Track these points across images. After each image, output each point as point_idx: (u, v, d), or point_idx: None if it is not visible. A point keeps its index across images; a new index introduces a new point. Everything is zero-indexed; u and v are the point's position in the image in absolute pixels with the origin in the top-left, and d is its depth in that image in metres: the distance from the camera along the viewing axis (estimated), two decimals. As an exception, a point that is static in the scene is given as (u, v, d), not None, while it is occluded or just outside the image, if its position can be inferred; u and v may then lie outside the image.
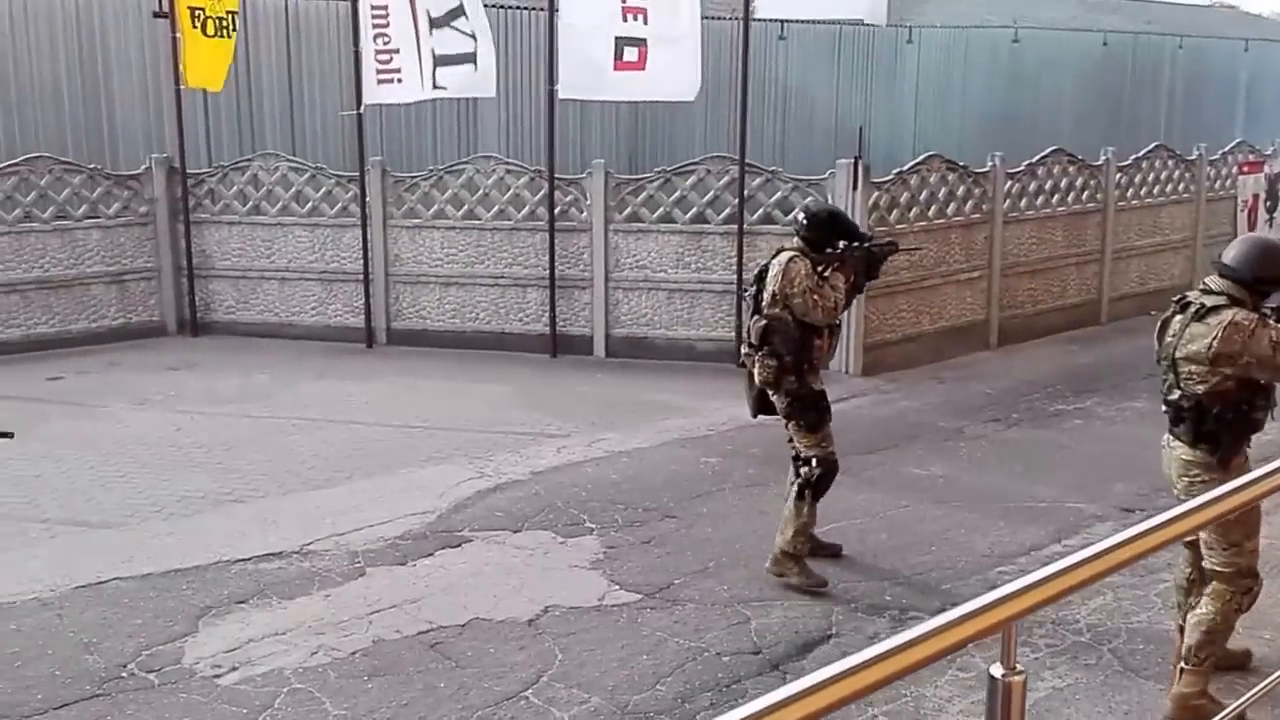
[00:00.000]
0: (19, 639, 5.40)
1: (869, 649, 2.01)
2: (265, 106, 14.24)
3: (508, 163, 11.85)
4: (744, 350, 6.19)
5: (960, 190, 11.52)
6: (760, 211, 10.87)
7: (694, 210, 11.07)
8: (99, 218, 11.76)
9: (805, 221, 6.07)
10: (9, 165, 11.40)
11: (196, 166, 12.49)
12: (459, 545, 6.65)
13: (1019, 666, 2.18)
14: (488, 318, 11.71)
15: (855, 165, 10.35)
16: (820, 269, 5.97)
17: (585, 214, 11.25)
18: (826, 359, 6.20)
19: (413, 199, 11.81)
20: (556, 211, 11.26)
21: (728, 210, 10.92)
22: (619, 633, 5.56)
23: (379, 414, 9.32)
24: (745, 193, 10.80)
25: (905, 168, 11.13)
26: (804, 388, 6.02)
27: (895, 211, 10.88)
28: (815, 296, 5.87)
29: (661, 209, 11.12)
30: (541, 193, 11.34)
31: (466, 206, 11.65)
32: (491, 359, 11.30)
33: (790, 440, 6.15)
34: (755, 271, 6.26)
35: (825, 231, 6.03)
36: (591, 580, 6.16)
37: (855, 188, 10.39)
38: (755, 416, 6.32)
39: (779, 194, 10.85)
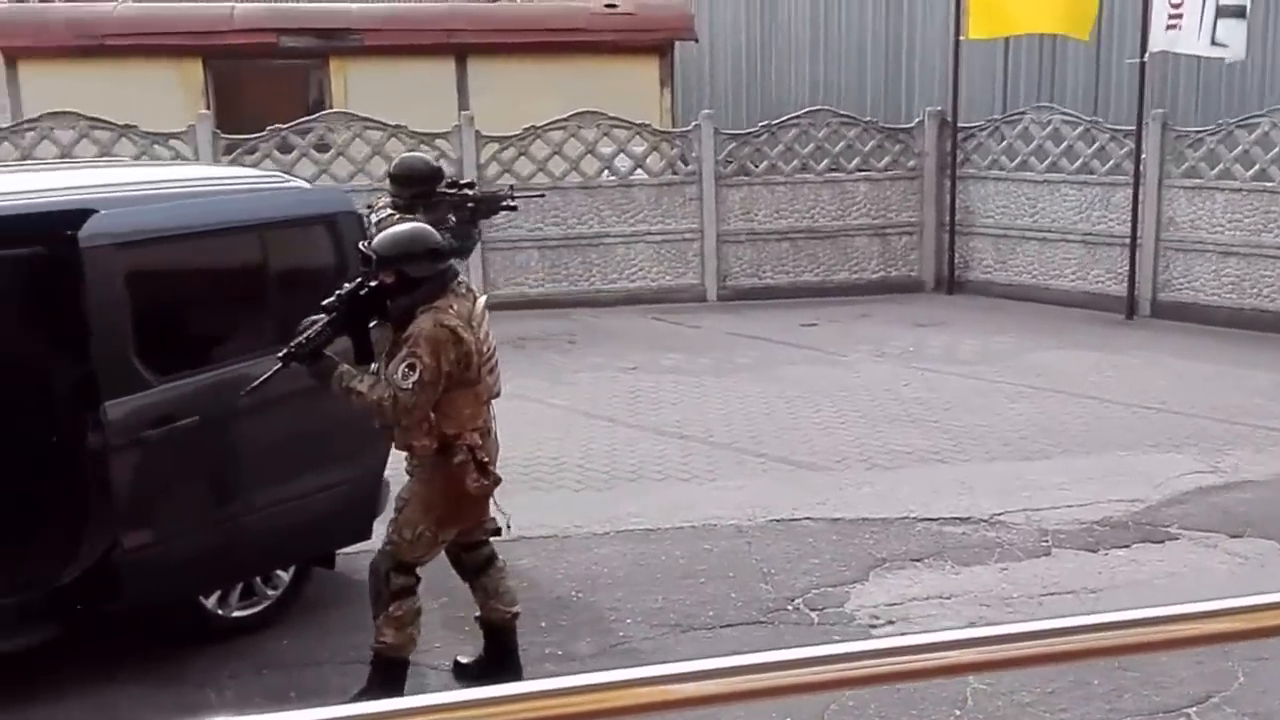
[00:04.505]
0: (709, 558, 5.85)
1: None
2: (1069, 55, 13.51)
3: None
4: None
5: None
6: None
7: None
8: (869, 170, 12.25)
9: None
10: (791, 118, 12.30)
11: (978, 118, 12.38)
12: (1161, 541, 5.91)
13: None
14: (1274, 294, 10.20)
15: None
16: None
17: None
18: None
19: (1195, 156, 10.63)
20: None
21: None
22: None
23: (1113, 390, 8.60)
24: None
25: None
26: None
27: None
28: None
29: None
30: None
31: (1258, 166, 10.21)
32: (1270, 343, 9.84)
33: None
34: None
35: None
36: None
37: None
38: None
39: None
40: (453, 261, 4.35)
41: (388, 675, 4.32)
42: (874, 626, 5.16)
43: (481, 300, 4.36)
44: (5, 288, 4.97)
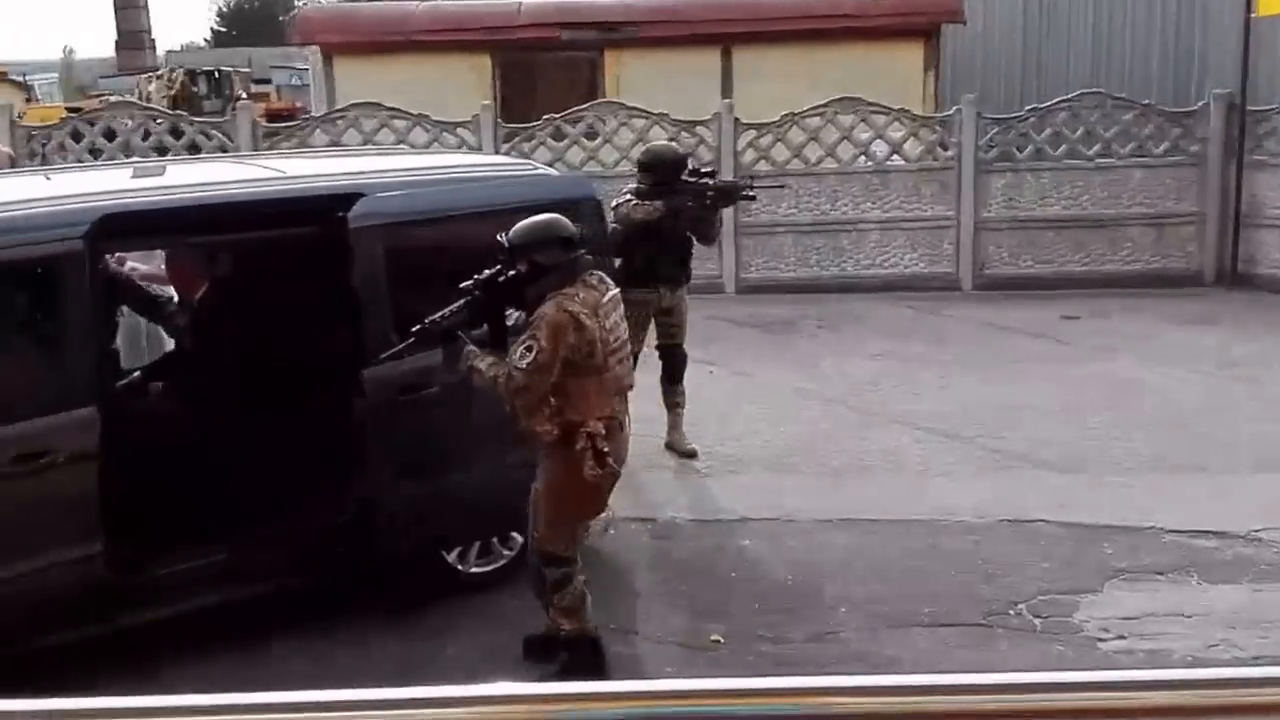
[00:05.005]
0: (933, 554, 5.78)
1: None
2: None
3: None
4: None
5: None
6: None
7: None
8: (1144, 156, 11.58)
9: None
10: (1060, 101, 11.78)
11: (1274, 102, 11.50)
12: None
13: None
14: None
15: None
16: None
17: None
18: None
19: None
20: None
21: None
22: None
23: None
24: None
25: None
26: None
27: None
28: None
29: None
30: None
31: None
32: None
33: None
34: None
35: None
36: None
37: None
38: None
39: None
40: (584, 252, 4.37)
41: (584, 657, 4.48)
42: (1101, 640, 4.97)
43: (612, 292, 4.38)
44: (293, 263, 5.52)
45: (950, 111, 12.02)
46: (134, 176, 5.42)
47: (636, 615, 5.26)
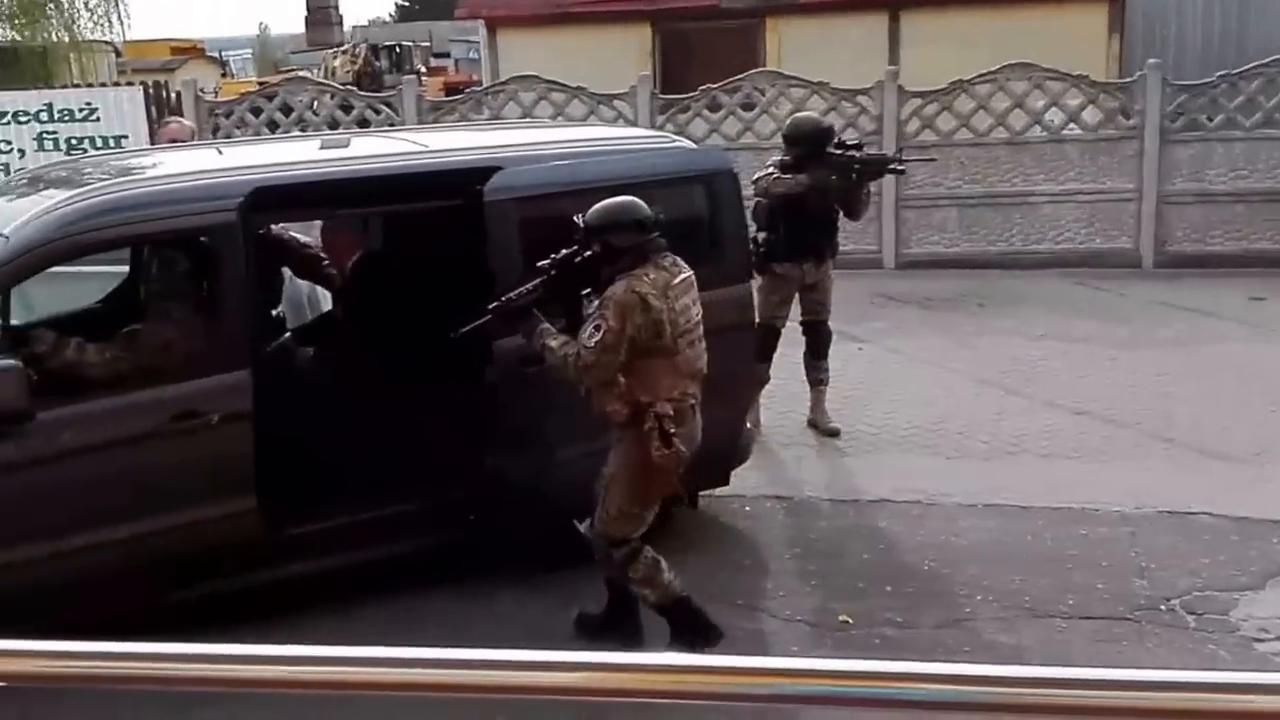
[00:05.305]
0: (1082, 544, 5.53)
1: None
2: None
3: None
4: None
5: None
6: None
7: None
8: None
9: None
10: (1255, 66, 10.93)
11: None
12: None
13: None
14: None
15: None
16: None
17: None
18: None
19: None
20: None
21: None
22: None
23: None
24: None
25: None
26: None
27: None
28: None
29: None
30: None
31: None
32: None
33: None
34: None
35: None
36: None
37: None
38: None
39: None
40: (659, 235, 4.33)
41: (680, 618, 4.46)
42: (1259, 640, 4.67)
43: (683, 275, 4.33)
44: (430, 235, 5.65)
45: (1133, 77, 11.40)
46: (321, 148, 5.63)
47: (765, 592, 5.22)
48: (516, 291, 4.40)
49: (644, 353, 4.20)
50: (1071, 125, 11.17)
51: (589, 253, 4.29)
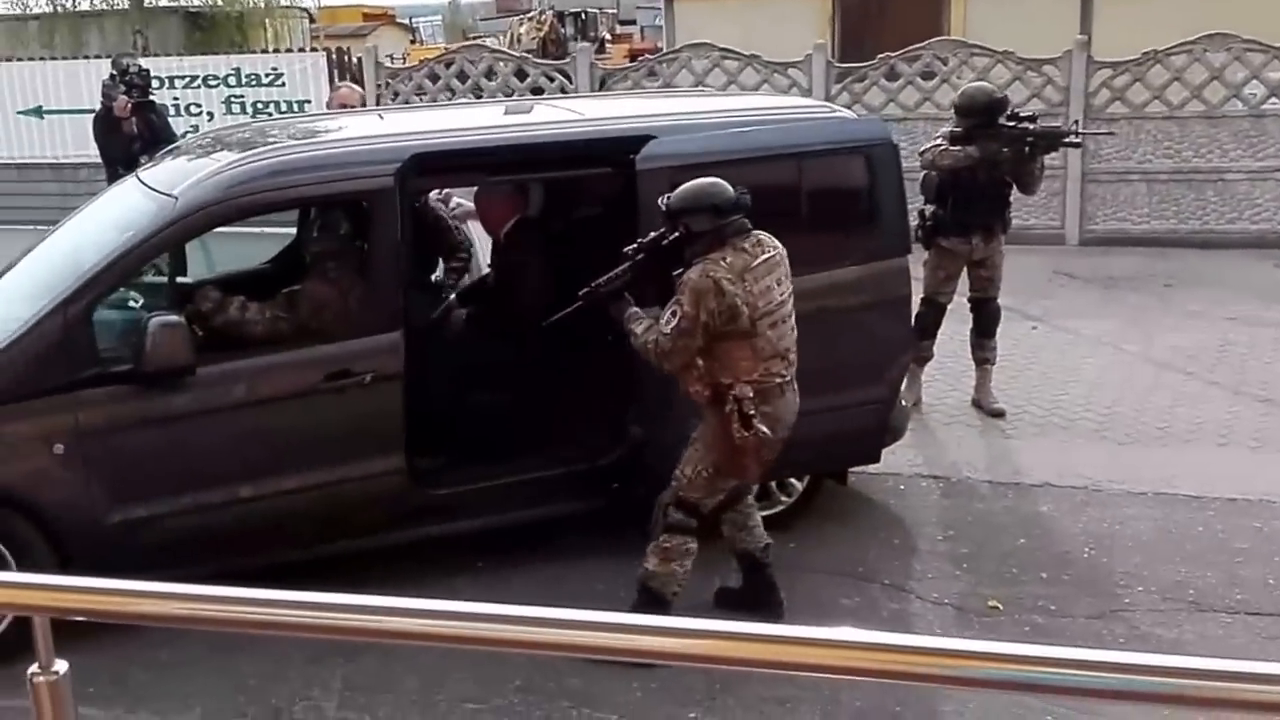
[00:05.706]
0: (1254, 537, 5.22)
1: None
2: None
3: None
4: None
5: None
6: None
7: None
8: None
9: None
10: None
11: None
12: None
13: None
14: None
15: None
16: None
17: None
18: None
19: None
20: None
21: None
22: None
23: None
24: None
25: None
26: None
27: None
28: None
29: None
30: None
31: None
32: None
33: None
34: None
35: None
36: None
37: None
38: None
39: None
40: (740, 217, 4.22)
41: (647, 606, 4.36)
42: None
43: (765, 256, 4.22)
44: (583, 202, 5.69)
45: (1347, 48, 10.58)
46: (506, 114, 5.73)
47: (913, 573, 5.10)
48: (607, 276, 4.43)
49: (721, 335, 4.19)
50: (1273, 99, 10.45)
51: (674, 235, 4.29)
